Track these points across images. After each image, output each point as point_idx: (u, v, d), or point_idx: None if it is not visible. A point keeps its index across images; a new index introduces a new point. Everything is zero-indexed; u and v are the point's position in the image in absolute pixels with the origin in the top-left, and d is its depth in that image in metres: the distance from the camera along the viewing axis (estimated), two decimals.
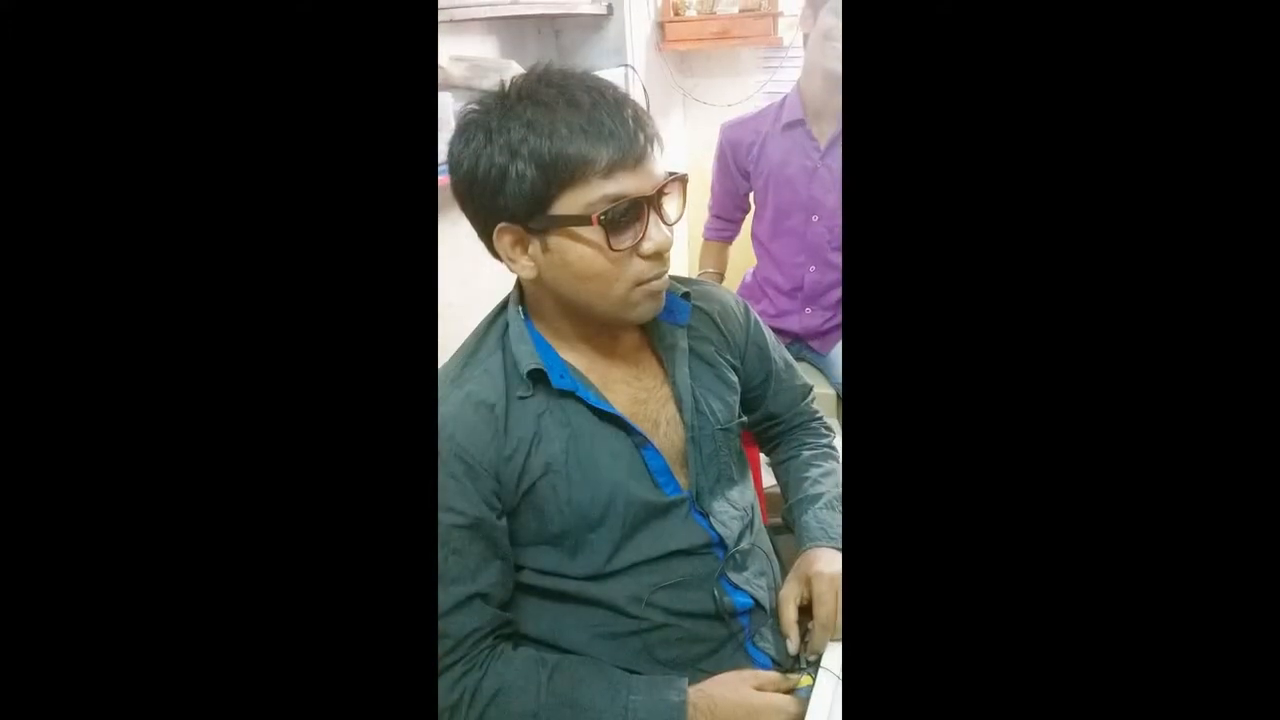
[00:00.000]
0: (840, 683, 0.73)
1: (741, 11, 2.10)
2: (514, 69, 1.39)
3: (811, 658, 0.79)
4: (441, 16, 1.36)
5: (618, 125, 0.69)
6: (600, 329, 0.81)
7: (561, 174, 0.69)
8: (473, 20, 1.53)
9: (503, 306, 0.84)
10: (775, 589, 0.87)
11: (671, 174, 0.74)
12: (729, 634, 0.82)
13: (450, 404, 0.76)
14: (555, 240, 0.72)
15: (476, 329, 0.84)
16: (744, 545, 0.86)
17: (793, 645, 0.81)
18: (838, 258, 1.63)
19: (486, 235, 0.76)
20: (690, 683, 0.75)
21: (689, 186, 0.76)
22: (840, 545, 0.87)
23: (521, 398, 0.77)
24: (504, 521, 0.76)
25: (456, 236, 0.82)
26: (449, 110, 1.27)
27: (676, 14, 2.14)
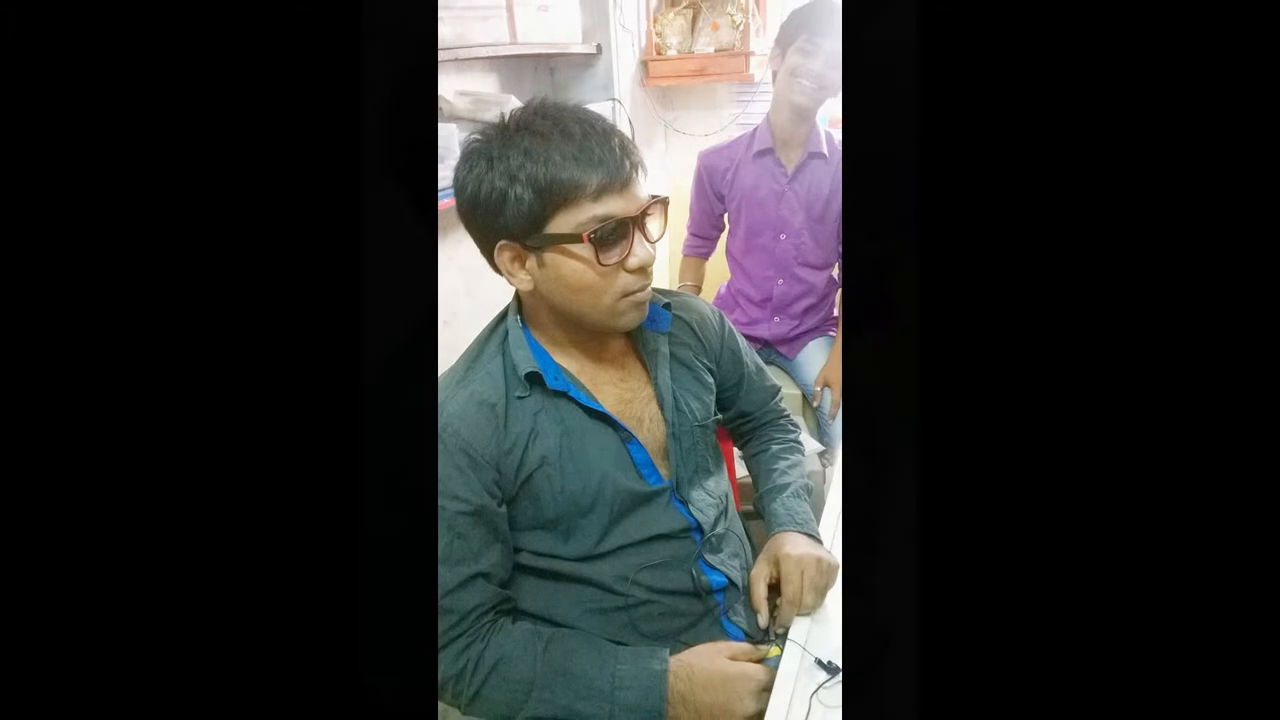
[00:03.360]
0: (805, 652, 0.73)
1: (717, 51, 2.12)
2: (513, 103, 1.40)
3: (780, 630, 0.79)
4: (447, 56, 1.37)
5: (606, 153, 0.69)
6: (590, 336, 0.82)
7: (556, 197, 0.69)
8: (476, 59, 1.54)
9: (502, 316, 0.85)
10: (747, 569, 0.88)
11: (654, 197, 0.74)
12: (706, 609, 0.83)
13: (455, 403, 0.76)
14: (550, 256, 0.73)
15: (479, 336, 0.85)
16: (719, 530, 0.86)
17: (763, 619, 0.82)
18: (803, 271, 1.64)
19: (488, 252, 0.76)
20: (671, 653, 0.76)
21: (670, 208, 0.77)
22: (806, 530, 0.87)
23: (520, 397, 0.78)
24: (504, 508, 0.77)
25: (460, 253, 0.82)
26: (454, 140, 1.27)
27: (659, 53, 2.15)
